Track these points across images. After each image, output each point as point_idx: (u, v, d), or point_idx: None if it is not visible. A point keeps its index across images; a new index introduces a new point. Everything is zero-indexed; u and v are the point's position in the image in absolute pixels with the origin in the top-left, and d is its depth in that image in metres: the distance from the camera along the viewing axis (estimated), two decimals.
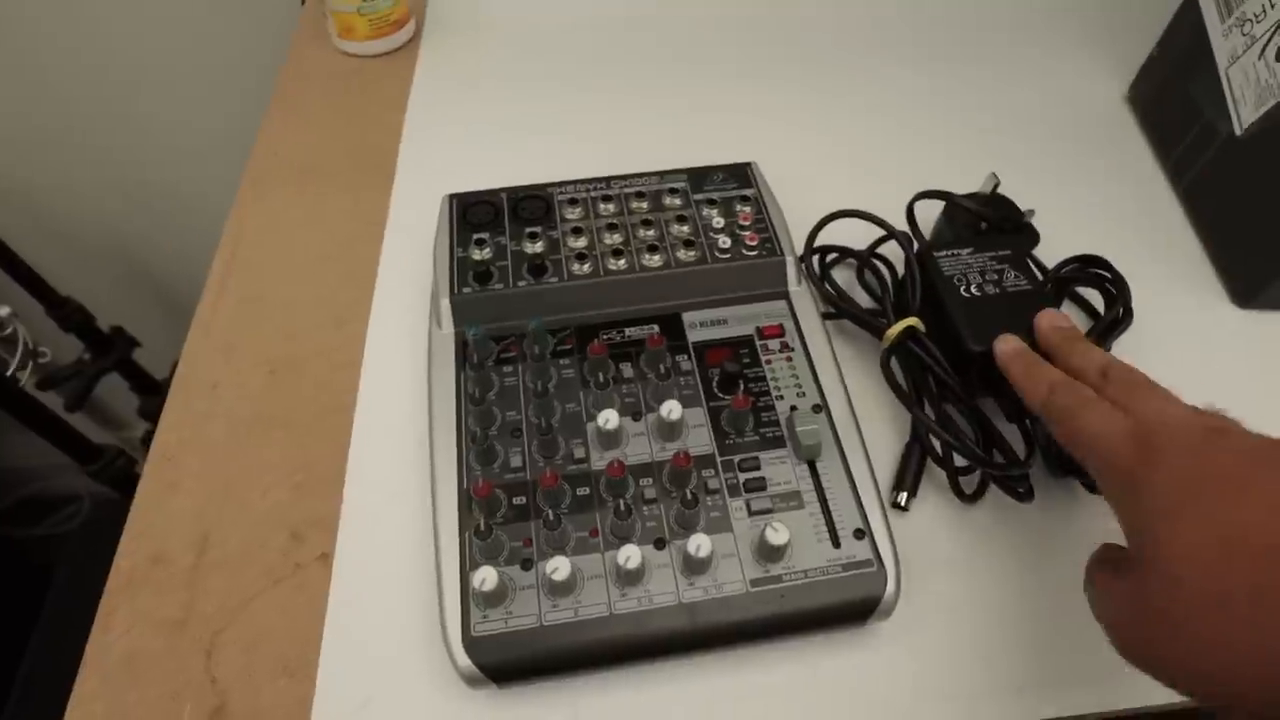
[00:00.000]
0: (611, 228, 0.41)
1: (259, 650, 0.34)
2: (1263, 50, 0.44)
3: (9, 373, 0.73)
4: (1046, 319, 0.36)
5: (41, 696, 1.01)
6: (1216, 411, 0.27)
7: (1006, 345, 0.35)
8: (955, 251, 0.41)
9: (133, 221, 0.87)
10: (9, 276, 0.80)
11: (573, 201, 0.42)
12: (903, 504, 0.37)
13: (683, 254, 0.40)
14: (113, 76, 0.75)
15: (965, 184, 0.46)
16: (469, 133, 0.54)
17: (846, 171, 0.51)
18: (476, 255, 0.40)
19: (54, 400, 0.88)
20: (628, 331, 0.39)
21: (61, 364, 0.88)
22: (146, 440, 1.02)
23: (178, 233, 0.89)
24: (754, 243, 0.41)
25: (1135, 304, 0.42)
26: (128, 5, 0.70)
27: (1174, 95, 0.51)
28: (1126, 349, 0.42)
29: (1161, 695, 0.33)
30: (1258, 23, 0.45)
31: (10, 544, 1.20)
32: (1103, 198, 0.51)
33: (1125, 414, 0.28)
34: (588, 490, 0.34)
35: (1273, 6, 0.44)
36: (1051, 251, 0.44)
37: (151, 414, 0.95)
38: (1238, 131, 0.46)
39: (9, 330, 0.86)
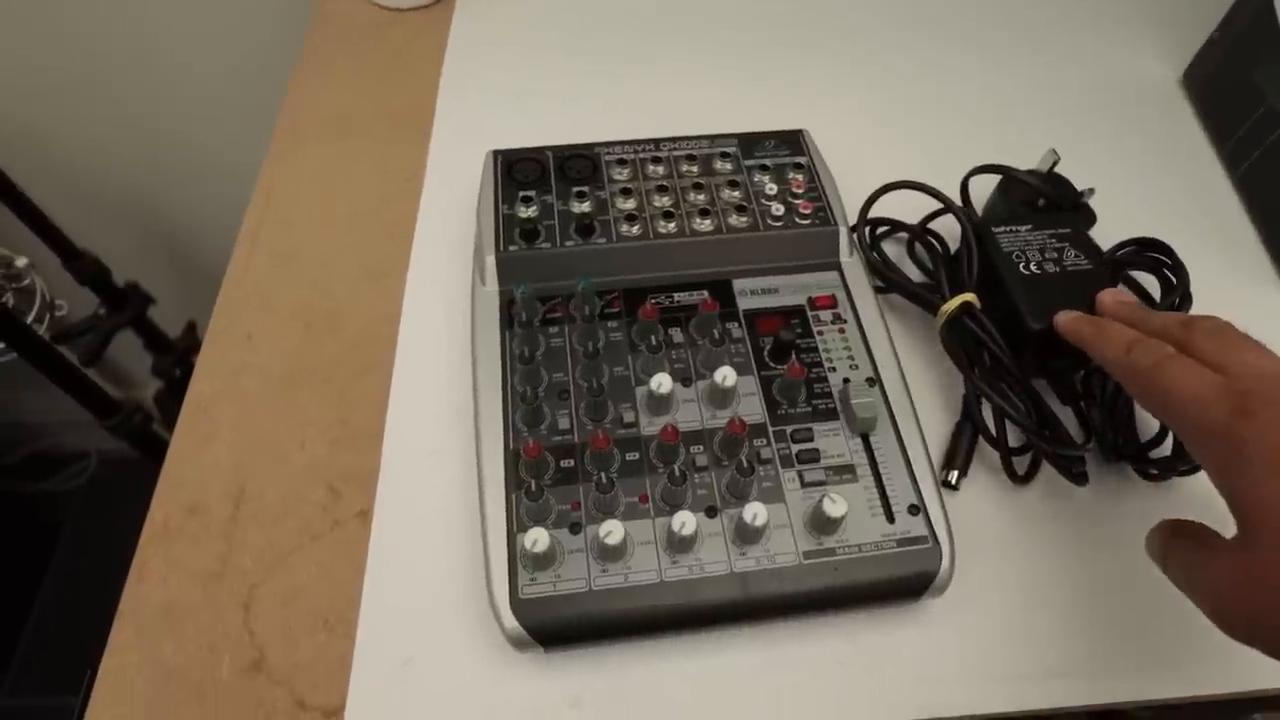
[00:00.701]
0: (661, 190, 0.40)
1: (297, 605, 0.33)
2: None
3: (26, 323, 0.72)
4: (1110, 295, 0.35)
5: (49, 650, 1.01)
6: None
7: (1068, 315, 0.34)
8: (1014, 228, 0.39)
9: (153, 176, 0.86)
10: (27, 227, 0.79)
11: (621, 162, 0.41)
12: (953, 482, 0.36)
13: (735, 219, 0.39)
14: (136, 29, 0.73)
15: (1018, 158, 0.45)
16: (506, 90, 0.52)
17: (896, 144, 0.50)
18: (523, 213, 0.39)
19: (67, 354, 0.87)
20: (677, 296, 0.38)
21: (77, 318, 0.87)
22: (158, 398, 1.01)
23: (198, 189, 0.87)
24: (807, 211, 0.40)
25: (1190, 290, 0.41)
26: None
27: (1234, 80, 0.50)
28: None
29: (1204, 684, 0.33)
30: None
31: (18, 500, 1.20)
32: (1156, 181, 0.50)
33: (1214, 369, 0.26)
34: (637, 455, 0.33)
35: None
36: (1104, 234, 0.43)
37: (164, 372, 0.94)
38: None
39: (26, 281, 0.85)
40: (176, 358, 0.94)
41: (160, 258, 0.96)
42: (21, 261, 0.84)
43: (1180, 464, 0.36)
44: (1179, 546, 0.27)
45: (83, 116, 0.80)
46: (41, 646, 1.01)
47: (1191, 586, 0.26)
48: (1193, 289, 0.41)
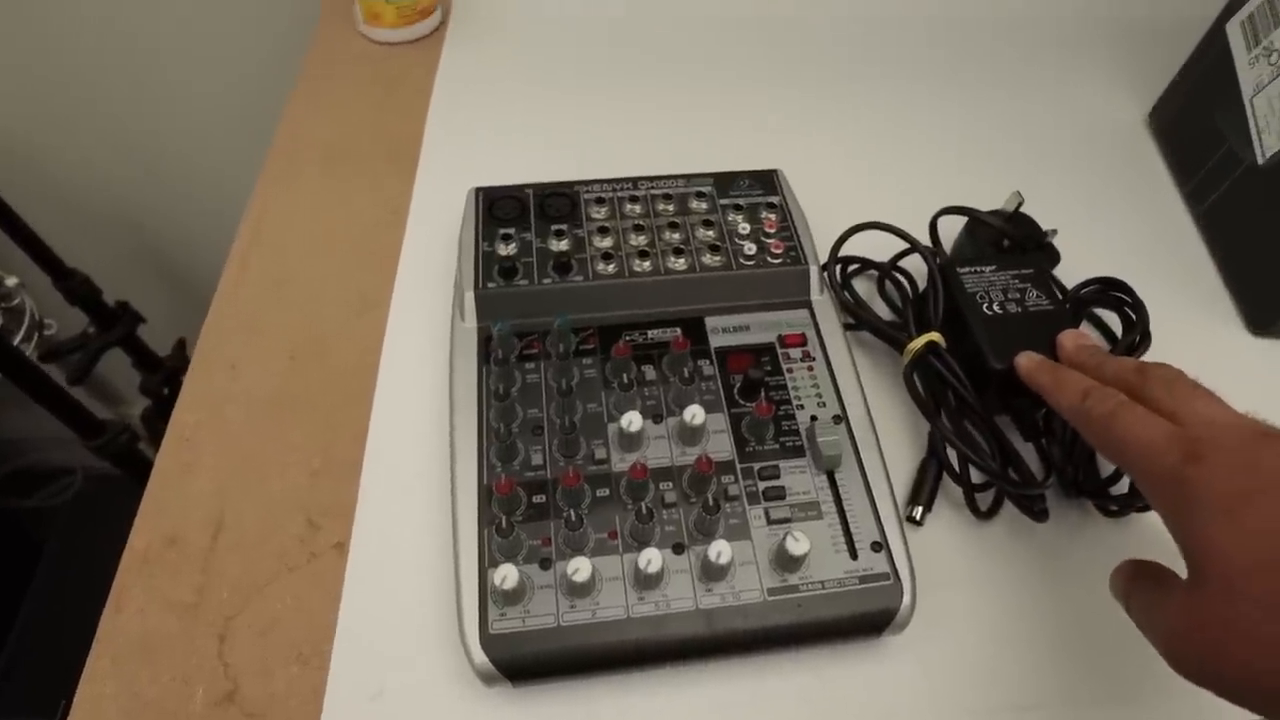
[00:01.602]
0: (638, 229, 0.41)
1: (272, 636, 0.34)
2: None
3: (14, 343, 0.72)
4: (1070, 338, 0.36)
5: (30, 668, 1.00)
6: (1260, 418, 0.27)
7: (1029, 359, 0.36)
8: (978, 268, 0.41)
9: (144, 196, 0.86)
10: (18, 246, 0.79)
11: (599, 201, 0.42)
12: (918, 518, 0.37)
13: (708, 258, 0.40)
14: (133, 51, 0.74)
15: (984, 200, 0.46)
16: (492, 124, 0.53)
17: (868, 183, 0.51)
18: (502, 250, 0.40)
19: (56, 373, 0.88)
20: (650, 333, 0.39)
21: (66, 336, 0.88)
22: (145, 417, 1.01)
23: (189, 209, 0.88)
24: (779, 250, 0.41)
25: (1151, 328, 0.42)
26: None
27: (1196, 121, 0.52)
28: None
29: (1167, 719, 0.34)
30: None
31: (1, 516, 1.19)
32: (1120, 220, 0.51)
33: (1166, 417, 0.27)
34: (607, 491, 0.34)
35: None
36: (1069, 272, 0.44)
37: (152, 391, 0.95)
38: (1260, 160, 0.46)
39: (16, 301, 0.85)
40: (165, 376, 0.94)
41: (151, 276, 0.96)
42: (12, 281, 0.84)
43: (1138, 500, 0.37)
44: (1139, 587, 0.28)
45: (76, 136, 0.81)
46: (21, 666, 1.01)
47: (1148, 626, 0.27)
48: (1156, 326, 0.42)
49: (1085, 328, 0.45)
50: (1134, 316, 0.42)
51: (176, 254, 0.93)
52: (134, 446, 0.82)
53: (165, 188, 0.85)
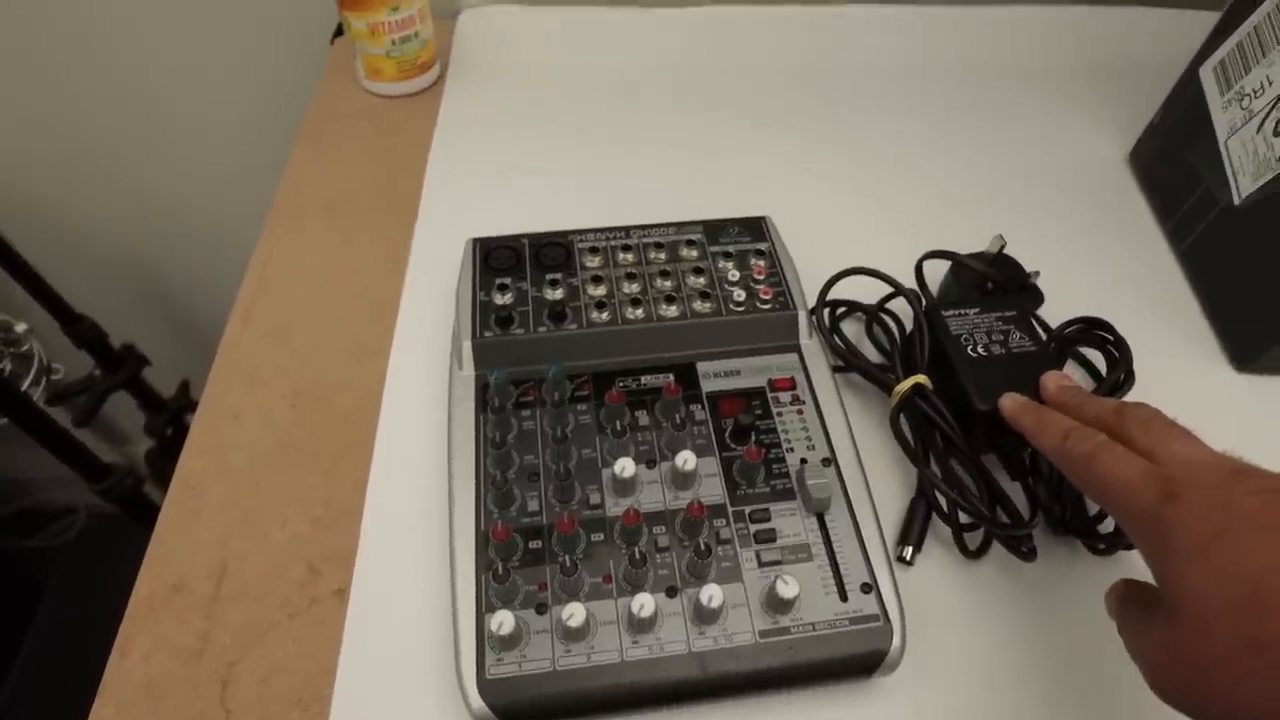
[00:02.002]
0: (630, 277, 0.42)
1: (273, 683, 0.35)
2: (1260, 124, 0.46)
3: (23, 388, 0.74)
4: (1053, 379, 0.37)
5: (33, 707, 1.00)
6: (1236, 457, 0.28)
7: (1013, 401, 0.36)
8: (962, 311, 0.42)
9: (149, 242, 0.88)
10: (27, 292, 0.81)
11: (593, 250, 0.43)
12: (908, 558, 0.38)
13: (699, 305, 0.41)
14: (139, 101, 0.77)
15: (973, 239, 0.47)
16: (490, 174, 0.55)
17: (856, 227, 0.53)
18: (499, 300, 0.41)
19: (62, 415, 0.89)
20: (644, 379, 0.40)
21: (72, 379, 0.89)
22: (150, 456, 1.02)
23: (192, 255, 0.90)
24: (768, 296, 0.42)
25: (1135, 365, 0.43)
26: (159, 33, 0.71)
27: (1174, 161, 0.53)
28: None
29: None
30: (1256, 98, 0.47)
31: (5, 555, 1.20)
32: (1104, 258, 0.52)
33: (1144, 456, 0.28)
34: (602, 536, 0.35)
35: (1270, 83, 0.45)
36: (1055, 310, 0.45)
37: (157, 431, 0.96)
38: (1236, 201, 0.47)
39: (25, 347, 0.87)
40: (169, 417, 0.95)
41: (155, 320, 0.98)
42: (21, 327, 0.86)
43: (1125, 539, 0.37)
44: (1128, 613, 0.29)
45: (83, 185, 0.83)
46: (24, 704, 1.00)
47: (1135, 653, 0.28)
48: (1140, 364, 0.43)
49: (1070, 367, 0.46)
50: (1117, 355, 0.43)
51: (181, 298, 0.95)
52: (139, 490, 0.83)
53: (170, 234, 0.87)
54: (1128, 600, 0.29)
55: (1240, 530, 0.24)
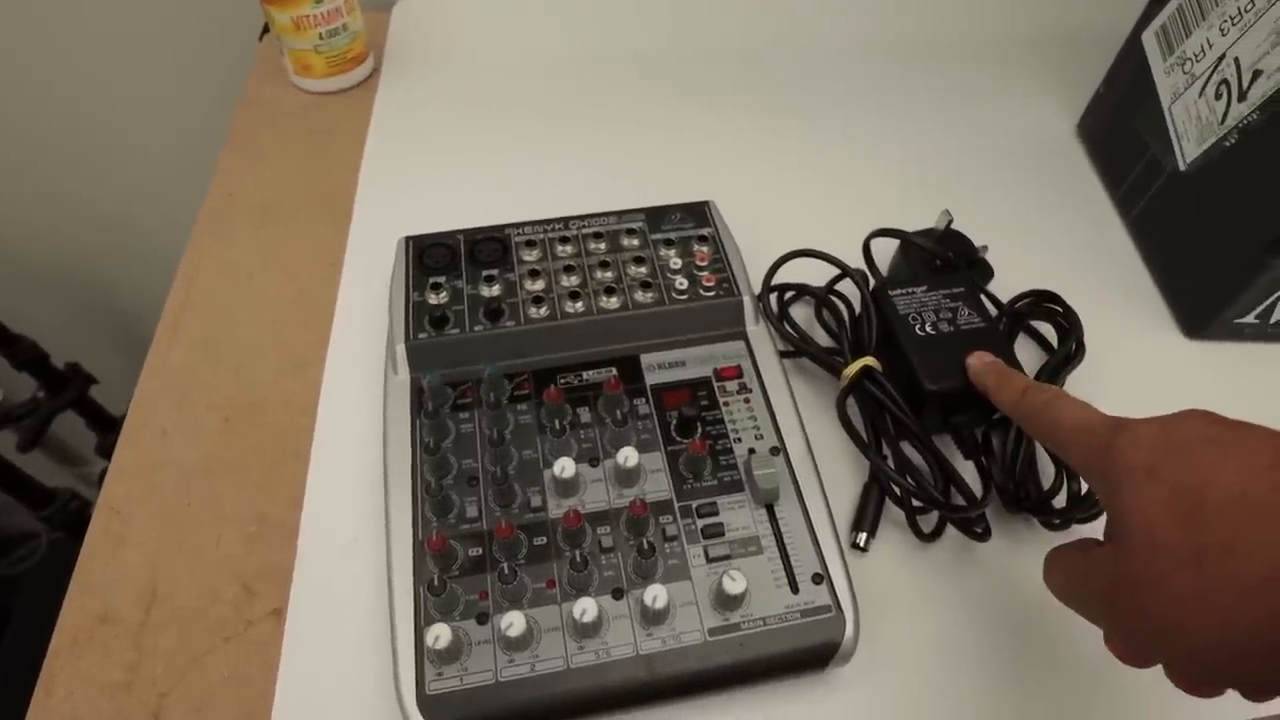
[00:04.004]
0: (569, 270, 0.41)
1: (208, 712, 0.33)
2: (1202, 88, 0.46)
3: None
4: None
5: None
6: None
7: (978, 359, 0.37)
8: (910, 290, 0.41)
9: (86, 254, 0.85)
10: None
11: (530, 243, 0.42)
12: (862, 544, 0.37)
13: (640, 295, 0.40)
14: (65, 109, 0.74)
15: (923, 216, 0.47)
16: (427, 171, 0.53)
17: (803, 208, 0.52)
18: (433, 299, 0.40)
19: (5, 440, 0.86)
20: (585, 375, 0.38)
21: (15, 402, 0.86)
22: (104, 477, 0.99)
23: (133, 265, 0.87)
24: (711, 283, 0.41)
25: (1088, 335, 0.42)
26: (80, 34, 0.69)
27: (1121, 130, 0.53)
28: (1079, 380, 0.42)
29: None
30: (1197, 61, 0.46)
31: None
32: (1055, 230, 0.52)
33: None
34: (545, 540, 0.33)
35: (1211, 45, 0.45)
36: (1007, 284, 0.45)
37: (108, 451, 0.93)
38: (1181, 167, 0.47)
39: None
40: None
41: (102, 336, 0.95)
42: None
43: (1078, 512, 0.37)
44: (1063, 562, 0.29)
45: (9, 197, 0.80)
46: None
47: (1081, 601, 0.28)
48: (1092, 334, 0.42)
49: (1024, 341, 0.46)
50: (1068, 326, 0.43)
51: (126, 311, 0.92)
52: (85, 513, 0.81)
53: (107, 245, 0.84)
54: (1060, 555, 0.29)
55: (1183, 447, 0.25)
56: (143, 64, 0.70)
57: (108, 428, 0.93)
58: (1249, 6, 0.42)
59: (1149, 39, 0.50)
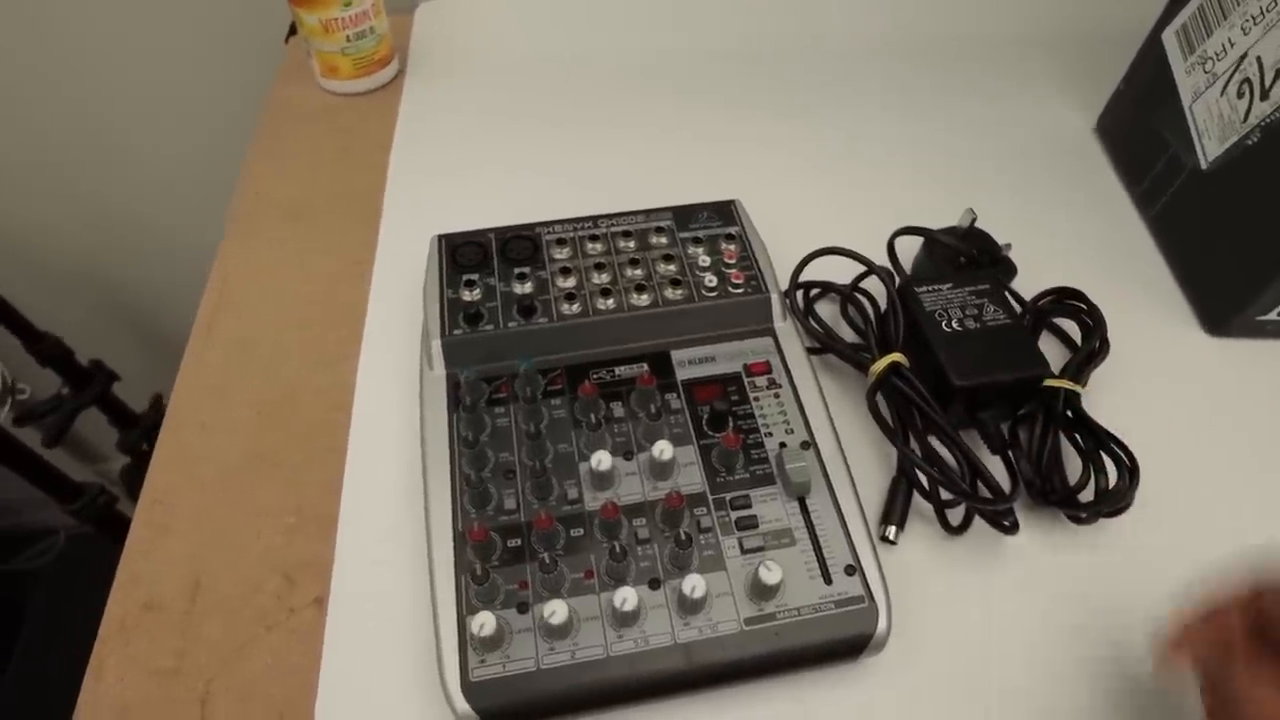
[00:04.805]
0: (599, 267, 0.42)
1: (253, 698, 0.34)
2: (1224, 87, 0.46)
3: None
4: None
5: None
6: None
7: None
8: (936, 286, 0.42)
9: (110, 253, 0.87)
10: None
11: (560, 241, 0.43)
12: (891, 537, 0.38)
13: (670, 293, 0.41)
14: (91, 109, 0.75)
15: (945, 214, 0.47)
16: (453, 170, 0.54)
17: (828, 206, 0.52)
18: (467, 296, 0.40)
19: (31, 435, 0.87)
20: (617, 370, 0.39)
21: (40, 399, 0.87)
22: (125, 473, 1.01)
23: (157, 263, 0.88)
24: (739, 280, 0.41)
25: (1110, 333, 0.43)
26: (107, 37, 0.70)
27: (1141, 128, 0.53)
28: (1102, 377, 0.43)
29: None
30: (1219, 60, 0.47)
31: None
32: (1075, 227, 0.52)
33: None
34: (582, 531, 0.34)
35: (1232, 44, 0.45)
36: (1029, 282, 0.45)
37: (130, 448, 0.94)
38: (1203, 165, 0.47)
39: None
40: (142, 432, 0.93)
41: (123, 333, 0.96)
42: None
43: (1105, 506, 0.37)
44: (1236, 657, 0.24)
45: (37, 198, 0.81)
46: None
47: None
48: (1114, 331, 0.43)
49: (1048, 338, 0.46)
50: (1091, 324, 0.43)
51: (147, 309, 0.93)
52: (112, 508, 0.82)
53: (131, 243, 0.85)
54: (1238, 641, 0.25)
55: None
56: (169, 65, 0.71)
57: (129, 424, 0.94)
58: (1271, 6, 0.43)
59: (1169, 38, 0.51)
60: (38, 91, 0.73)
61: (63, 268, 0.87)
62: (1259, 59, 0.43)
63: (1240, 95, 0.45)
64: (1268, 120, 0.43)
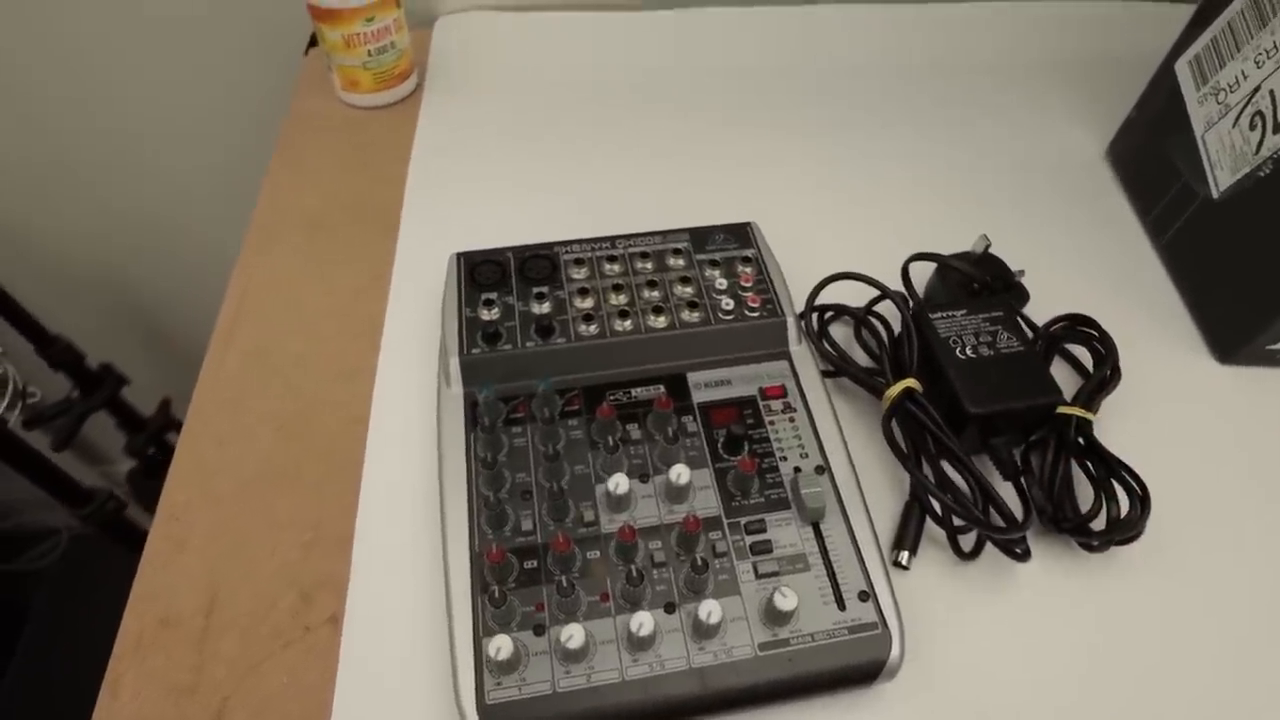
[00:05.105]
0: (617, 288, 0.42)
1: (269, 715, 0.34)
2: (1236, 119, 0.46)
3: None
4: None
5: None
6: None
7: None
8: (950, 313, 0.42)
9: (124, 258, 0.87)
10: (0, 316, 0.80)
11: (578, 262, 0.43)
12: (904, 563, 0.38)
13: (687, 315, 0.41)
14: (109, 114, 0.75)
15: (959, 236, 0.47)
16: (470, 185, 0.54)
17: (842, 230, 0.53)
18: (485, 315, 0.41)
19: (39, 438, 0.87)
20: (634, 392, 0.39)
21: (50, 402, 0.87)
22: (131, 477, 1.01)
23: (170, 270, 0.89)
24: (756, 304, 0.42)
25: (1121, 360, 0.43)
26: (129, 44, 0.70)
27: (1152, 156, 0.53)
28: (1114, 404, 0.43)
29: None
30: (1232, 92, 0.47)
31: None
32: (1087, 253, 0.53)
33: None
34: (598, 554, 0.34)
35: (1245, 77, 0.46)
36: (1041, 308, 0.46)
37: (138, 451, 0.94)
38: (1214, 195, 0.48)
39: (0, 371, 0.85)
40: (149, 436, 0.94)
41: (133, 337, 0.96)
42: None
43: (1116, 535, 0.38)
44: None
45: (52, 200, 0.81)
46: None
47: None
48: (1125, 358, 0.43)
49: (1059, 364, 0.46)
50: (1103, 351, 0.44)
51: (158, 314, 0.93)
52: (121, 513, 0.82)
53: (144, 249, 0.86)
54: None
55: None
56: (187, 73, 0.72)
57: (137, 428, 0.95)
58: None
59: (1182, 68, 0.51)
60: (58, 94, 0.73)
61: (76, 272, 0.87)
62: (1272, 92, 0.44)
63: (1253, 127, 0.45)
64: (1279, 153, 0.43)
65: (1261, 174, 0.45)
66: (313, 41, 0.63)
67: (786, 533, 0.35)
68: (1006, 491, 0.39)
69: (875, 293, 0.44)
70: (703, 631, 0.32)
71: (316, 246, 0.51)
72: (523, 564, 0.34)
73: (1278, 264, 0.43)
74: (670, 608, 0.33)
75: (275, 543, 0.39)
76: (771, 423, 0.39)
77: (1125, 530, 0.38)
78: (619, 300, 0.41)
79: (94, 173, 0.79)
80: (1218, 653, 0.37)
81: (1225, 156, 0.47)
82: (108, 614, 0.36)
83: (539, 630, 0.32)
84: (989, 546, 0.38)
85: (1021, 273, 0.46)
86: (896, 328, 0.44)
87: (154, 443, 0.95)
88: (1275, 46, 0.44)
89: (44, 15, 0.67)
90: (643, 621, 0.31)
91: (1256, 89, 0.45)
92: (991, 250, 0.46)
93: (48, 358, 0.83)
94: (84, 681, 0.35)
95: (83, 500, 0.77)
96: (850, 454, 0.38)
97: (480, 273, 0.43)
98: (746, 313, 0.41)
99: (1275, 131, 0.44)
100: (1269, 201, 0.44)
